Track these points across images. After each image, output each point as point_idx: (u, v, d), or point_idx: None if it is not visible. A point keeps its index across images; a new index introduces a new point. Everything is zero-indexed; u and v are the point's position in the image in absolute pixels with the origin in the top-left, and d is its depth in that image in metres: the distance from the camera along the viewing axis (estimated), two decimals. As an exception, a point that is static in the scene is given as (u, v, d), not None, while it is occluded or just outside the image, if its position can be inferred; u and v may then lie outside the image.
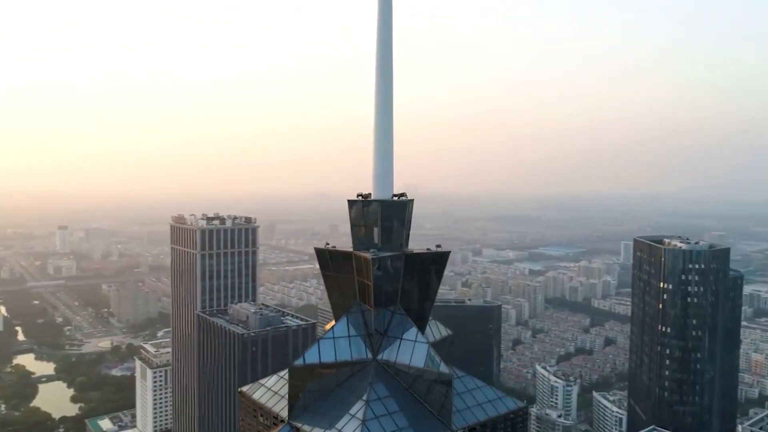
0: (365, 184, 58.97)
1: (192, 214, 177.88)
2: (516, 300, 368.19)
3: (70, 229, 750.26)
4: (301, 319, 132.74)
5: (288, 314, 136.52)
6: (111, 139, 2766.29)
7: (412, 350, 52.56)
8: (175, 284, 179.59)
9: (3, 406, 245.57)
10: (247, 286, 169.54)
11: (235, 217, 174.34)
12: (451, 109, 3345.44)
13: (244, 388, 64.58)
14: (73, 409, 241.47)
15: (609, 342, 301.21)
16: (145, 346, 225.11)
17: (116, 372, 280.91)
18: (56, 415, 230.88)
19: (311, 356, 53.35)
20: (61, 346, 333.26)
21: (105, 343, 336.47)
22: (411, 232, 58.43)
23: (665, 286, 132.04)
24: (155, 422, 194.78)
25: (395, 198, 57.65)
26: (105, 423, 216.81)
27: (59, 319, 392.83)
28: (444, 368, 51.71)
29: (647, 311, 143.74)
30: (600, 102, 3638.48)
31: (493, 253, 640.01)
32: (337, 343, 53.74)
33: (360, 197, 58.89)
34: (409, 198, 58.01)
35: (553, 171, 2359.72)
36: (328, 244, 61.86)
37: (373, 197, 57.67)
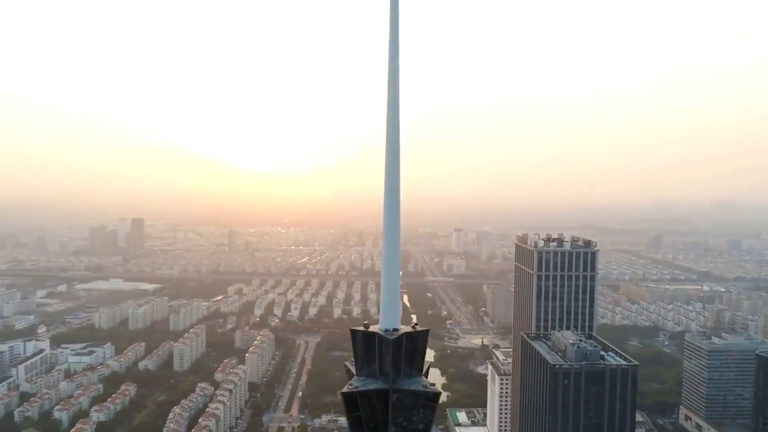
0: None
1: (536, 234, 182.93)
2: None
3: (464, 231, 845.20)
4: (624, 358, 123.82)
5: (612, 349, 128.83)
6: (502, 149, 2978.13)
7: None
8: (517, 301, 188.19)
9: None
10: (583, 311, 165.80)
11: (574, 240, 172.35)
12: None
13: None
14: (441, 396, 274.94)
15: None
16: (496, 352, 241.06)
17: (480, 369, 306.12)
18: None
19: None
20: (442, 337, 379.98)
21: (477, 341, 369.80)
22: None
23: None
24: (500, 427, 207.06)
25: (395, 331, 54.90)
26: (461, 415, 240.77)
27: (444, 313, 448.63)
28: None
29: None
30: None
31: None
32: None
33: (364, 326, 56.77)
34: (421, 329, 52.97)
35: None
36: (352, 388, 59.73)
37: (379, 327, 54.40)
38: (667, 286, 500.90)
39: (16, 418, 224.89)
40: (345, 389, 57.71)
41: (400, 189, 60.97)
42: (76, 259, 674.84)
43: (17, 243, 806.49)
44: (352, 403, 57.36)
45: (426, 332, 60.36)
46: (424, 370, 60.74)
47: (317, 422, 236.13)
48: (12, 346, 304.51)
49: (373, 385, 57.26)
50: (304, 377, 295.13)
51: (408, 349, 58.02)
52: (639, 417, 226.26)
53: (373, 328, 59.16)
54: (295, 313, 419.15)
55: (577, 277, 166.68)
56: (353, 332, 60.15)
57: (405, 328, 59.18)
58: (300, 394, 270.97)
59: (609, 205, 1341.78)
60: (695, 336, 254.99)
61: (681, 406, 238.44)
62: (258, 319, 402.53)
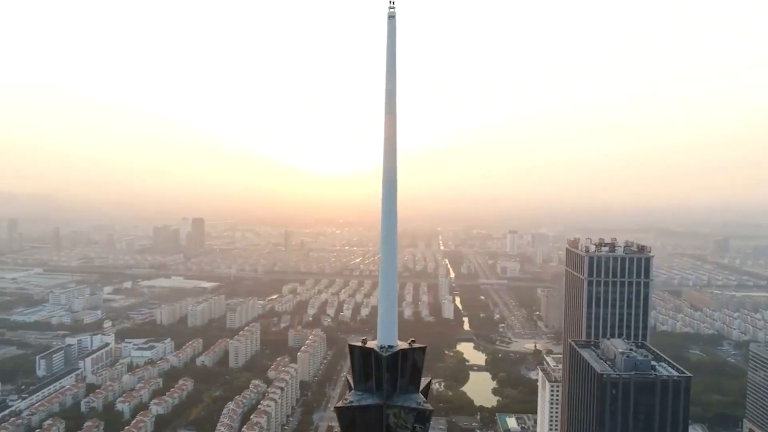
0: None
1: (588, 238, 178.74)
2: None
3: (519, 233, 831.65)
4: (677, 369, 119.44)
5: (665, 360, 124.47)
6: (560, 150, 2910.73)
7: None
8: (567, 307, 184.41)
9: (443, 384, 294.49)
10: (636, 318, 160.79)
11: (628, 245, 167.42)
12: None
13: None
14: (491, 401, 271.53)
15: None
16: (546, 358, 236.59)
17: (532, 375, 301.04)
18: (477, 403, 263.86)
19: None
20: (493, 341, 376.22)
21: (529, 345, 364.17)
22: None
23: None
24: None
25: (392, 347, 55.29)
26: (511, 421, 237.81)
27: (496, 316, 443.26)
28: None
29: None
30: None
31: None
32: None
33: (362, 341, 56.07)
34: (418, 346, 52.10)
35: None
36: (346, 402, 60.01)
37: (377, 343, 53.63)
38: (733, 293, 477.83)
39: (83, 408, 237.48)
40: (339, 404, 58.84)
41: (397, 210, 62.42)
42: (141, 257, 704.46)
43: (88, 241, 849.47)
44: (346, 418, 58.40)
45: (423, 349, 60.54)
46: (423, 387, 61.00)
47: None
48: (80, 340, 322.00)
49: (368, 401, 57.99)
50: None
51: (404, 365, 58.38)
52: (698, 430, 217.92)
53: (370, 344, 60.06)
54: (347, 313, 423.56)
55: (630, 284, 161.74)
56: (351, 347, 61.30)
57: (402, 345, 59.71)
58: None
59: (672, 206, 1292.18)
60: (761, 346, 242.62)
61: (745, 420, 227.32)
62: (311, 319, 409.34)
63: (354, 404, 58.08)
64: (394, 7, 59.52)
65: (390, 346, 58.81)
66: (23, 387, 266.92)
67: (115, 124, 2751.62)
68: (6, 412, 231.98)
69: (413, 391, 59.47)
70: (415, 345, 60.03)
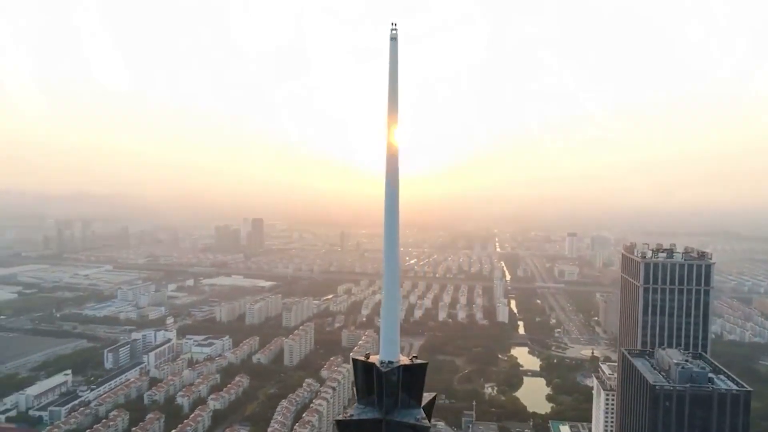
0: None
1: (645, 243, 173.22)
2: None
3: (579, 236, 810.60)
4: (736, 383, 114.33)
5: (724, 372, 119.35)
6: (626, 150, 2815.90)
7: None
8: (622, 314, 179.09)
9: (495, 389, 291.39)
10: (695, 328, 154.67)
11: (687, 251, 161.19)
12: None
13: None
14: (544, 408, 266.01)
15: None
16: (602, 366, 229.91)
17: (588, 382, 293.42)
18: (530, 409, 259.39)
19: None
20: (549, 346, 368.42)
21: (586, 352, 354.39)
22: None
23: None
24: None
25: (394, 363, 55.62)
26: (565, 429, 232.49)
27: (553, 321, 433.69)
28: None
29: None
30: None
31: None
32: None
33: (365, 356, 55.42)
34: (420, 362, 51.43)
35: None
36: (347, 416, 60.25)
37: (378, 358, 52.99)
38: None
39: (145, 401, 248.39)
40: (339, 417, 59.91)
41: (399, 225, 63.28)
42: (204, 255, 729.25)
43: (153, 240, 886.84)
44: (345, 431, 59.15)
45: (424, 365, 60.69)
46: (426, 402, 61.08)
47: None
48: (145, 335, 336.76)
49: (368, 415, 58.62)
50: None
51: (405, 381, 58.59)
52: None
53: (372, 358, 60.56)
54: (400, 314, 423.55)
55: (689, 291, 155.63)
56: (354, 361, 61.95)
57: (404, 360, 60.01)
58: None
59: (743, 209, 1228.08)
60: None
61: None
62: (364, 319, 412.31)
63: (354, 418, 58.97)
64: (396, 30, 59.95)
65: (390, 362, 59.30)
66: (92, 378, 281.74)
67: (177, 128, 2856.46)
68: (76, 402, 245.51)
69: (414, 407, 59.68)
70: (417, 361, 60.60)
